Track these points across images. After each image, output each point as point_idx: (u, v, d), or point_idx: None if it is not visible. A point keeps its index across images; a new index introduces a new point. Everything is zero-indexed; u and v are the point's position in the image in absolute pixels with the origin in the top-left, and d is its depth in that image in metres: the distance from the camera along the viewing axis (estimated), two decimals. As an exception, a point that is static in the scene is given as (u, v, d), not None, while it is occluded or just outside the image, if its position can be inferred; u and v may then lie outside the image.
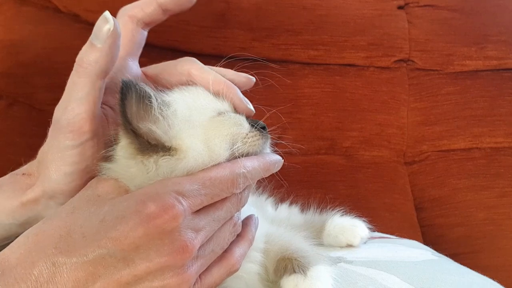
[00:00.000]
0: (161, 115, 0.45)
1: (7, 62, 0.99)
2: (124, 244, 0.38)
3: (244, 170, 0.44)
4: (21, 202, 0.47)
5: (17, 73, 0.99)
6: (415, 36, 1.14)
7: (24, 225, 0.46)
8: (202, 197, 0.41)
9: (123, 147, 0.46)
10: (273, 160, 0.49)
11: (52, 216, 0.42)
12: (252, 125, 0.49)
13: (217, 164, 0.44)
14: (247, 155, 0.47)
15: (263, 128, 0.50)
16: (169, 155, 0.44)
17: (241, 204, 0.47)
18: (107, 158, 0.46)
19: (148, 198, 0.39)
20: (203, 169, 0.43)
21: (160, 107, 0.45)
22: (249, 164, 0.45)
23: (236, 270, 0.47)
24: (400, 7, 1.15)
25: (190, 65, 0.51)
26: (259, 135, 0.48)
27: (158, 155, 0.44)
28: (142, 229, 0.38)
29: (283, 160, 0.50)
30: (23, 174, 0.49)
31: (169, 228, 0.38)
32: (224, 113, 0.49)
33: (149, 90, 0.45)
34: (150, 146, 0.44)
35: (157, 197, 0.39)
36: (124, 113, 0.44)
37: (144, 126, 0.44)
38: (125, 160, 0.45)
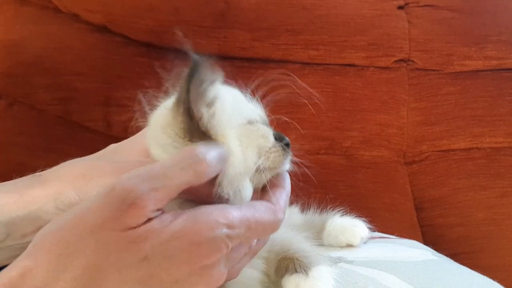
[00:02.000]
0: (214, 105, 0.41)
1: (7, 62, 0.99)
2: (165, 282, 0.37)
3: (284, 215, 0.43)
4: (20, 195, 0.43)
5: (17, 73, 0.99)
6: (415, 36, 1.13)
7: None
8: (243, 239, 0.41)
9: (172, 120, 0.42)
10: None
11: (72, 254, 0.37)
12: (276, 140, 0.47)
13: (264, 205, 0.42)
14: (268, 170, 0.45)
15: (287, 145, 0.48)
16: None
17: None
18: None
19: (203, 239, 0.38)
20: (251, 206, 0.41)
21: (215, 96, 0.41)
22: (284, 204, 0.45)
23: (234, 278, 0.46)
24: (400, 7, 1.15)
25: None
26: (281, 151, 0.47)
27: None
28: (188, 268, 0.38)
29: None
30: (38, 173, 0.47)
31: (210, 265, 0.39)
32: (254, 122, 0.47)
33: (215, 75, 0.41)
34: (198, 132, 0.40)
35: (211, 242, 0.38)
36: (188, 90, 0.39)
37: (203, 111, 0.40)
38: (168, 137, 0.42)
